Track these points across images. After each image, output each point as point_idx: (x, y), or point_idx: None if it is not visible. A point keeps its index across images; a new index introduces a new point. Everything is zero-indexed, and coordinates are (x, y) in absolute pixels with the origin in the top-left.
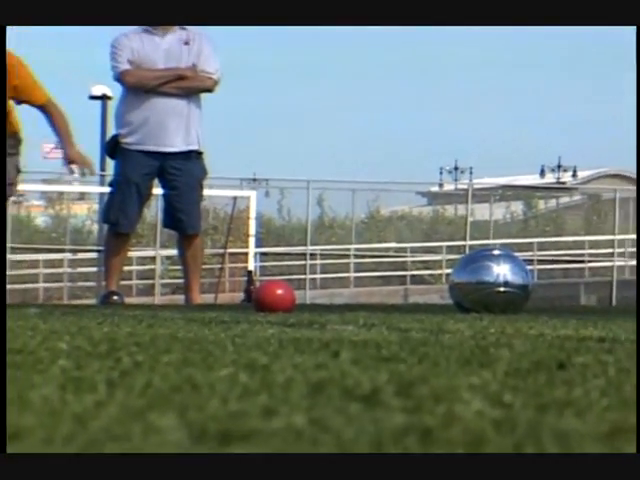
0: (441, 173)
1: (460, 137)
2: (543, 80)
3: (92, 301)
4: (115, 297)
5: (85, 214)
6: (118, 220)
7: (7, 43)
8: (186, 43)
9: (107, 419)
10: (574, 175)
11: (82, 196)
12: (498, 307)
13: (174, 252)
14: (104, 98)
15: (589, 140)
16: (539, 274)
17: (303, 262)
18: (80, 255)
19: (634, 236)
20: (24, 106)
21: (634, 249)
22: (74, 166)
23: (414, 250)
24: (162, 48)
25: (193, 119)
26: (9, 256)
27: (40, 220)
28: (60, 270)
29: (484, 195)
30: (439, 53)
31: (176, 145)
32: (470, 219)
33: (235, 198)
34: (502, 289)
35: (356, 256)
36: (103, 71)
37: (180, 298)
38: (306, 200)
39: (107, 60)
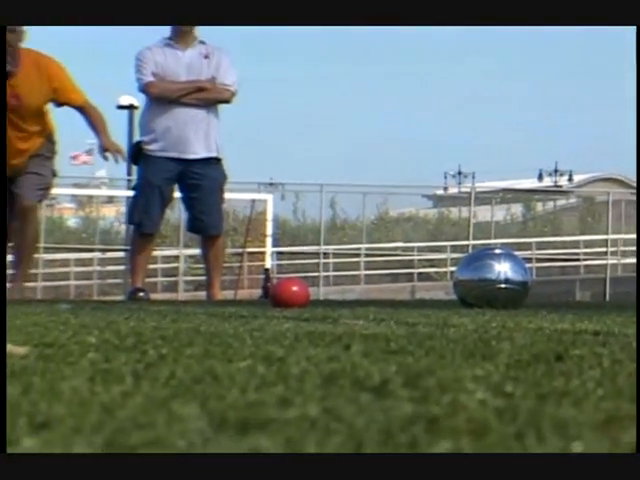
0: (446, 177)
1: (463, 144)
2: (541, 90)
3: (120, 297)
4: (141, 293)
5: (113, 216)
6: (142, 221)
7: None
8: (206, 57)
9: (133, 409)
10: (570, 179)
11: (110, 199)
12: (499, 303)
13: (197, 251)
14: (131, 108)
15: (584, 146)
16: (537, 272)
17: (317, 261)
18: (109, 254)
19: (626, 236)
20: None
21: (626, 248)
22: (108, 154)
23: (420, 249)
24: (184, 62)
25: (212, 128)
26: (42, 255)
27: (71, 221)
28: (90, 268)
29: (486, 198)
30: (443, 67)
31: (196, 152)
32: (473, 220)
33: (253, 201)
34: (503, 286)
35: (366, 255)
36: (130, 82)
37: (202, 294)
38: (319, 203)
39: (133, 72)
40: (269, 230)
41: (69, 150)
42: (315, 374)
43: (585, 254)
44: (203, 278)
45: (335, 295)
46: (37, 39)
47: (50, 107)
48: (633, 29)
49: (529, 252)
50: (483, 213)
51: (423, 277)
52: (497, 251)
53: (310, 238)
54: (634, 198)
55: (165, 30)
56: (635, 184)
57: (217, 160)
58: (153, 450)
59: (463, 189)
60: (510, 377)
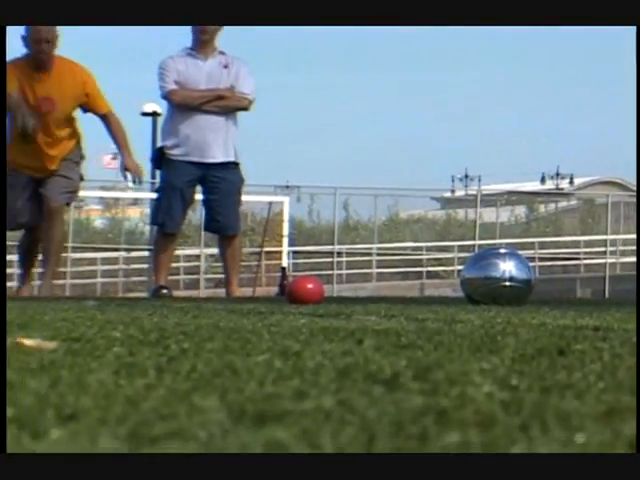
0: (453, 181)
1: (470, 148)
2: (544, 97)
3: (144, 294)
4: (164, 290)
5: (138, 217)
6: (165, 222)
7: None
8: (225, 67)
9: (156, 401)
10: (571, 182)
11: (135, 201)
12: (504, 299)
13: (216, 251)
14: (154, 114)
15: (584, 151)
16: (540, 270)
17: (331, 259)
18: (133, 253)
19: (624, 236)
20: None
21: (624, 248)
22: (128, 173)
23: (429, 249)
24: (204, 71)
25: (231, 133)
26: (71, 254)
27: (98, 222)
28: (116, 267)
29: (491, 200)
30: (450, 75)
31: (216, 156)
32: (479, 221)
33: (270, 203)
34: (508, 283)
35: (378, 254)
36: (153, 91)
37: (221, 291)
38: (333, 204)
39: (156, 81)
40: (285, 230)
41: (96, 154)
42: (330, 368)
43: (585, 253)
44: (222, 276)
45: (348, 292)
46: (66, 48)
47: (78, 113)
48: (633, 29)
49: (532, 251)
50: (488, 214)
51: (431, 275)
52: (502, 250)
53: (324, 238)
54: (632, 200)
55: (187, 39)
56: (633, 187)
57: (235, 164)
58: (175, 441)
59: (469, 192)
60: (515, 371)
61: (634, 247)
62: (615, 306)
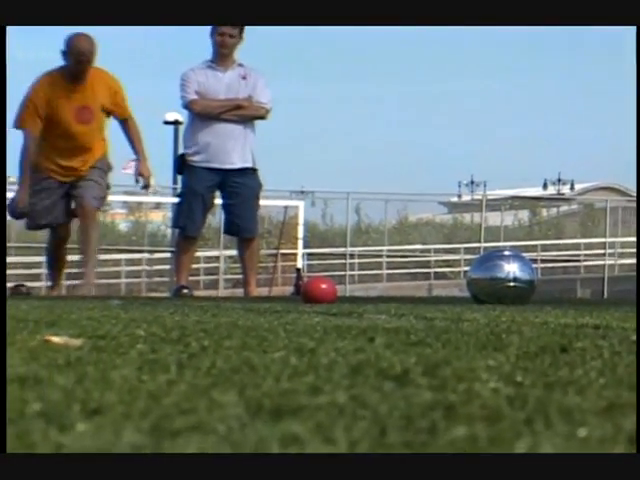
0: (459, 186)
1: (475, 156)
2: (545, 106)
3: (166, 294)
4: (185, 290)
5: (160, 220)
6: (186, 225)
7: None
8: (244, 78)
9: (177, 396)
10: (572, 188)
11: (157, 205)
12: (509, 299)
13: (235, 252)
14: (176, 123)
15: (585, 158)
16: (542, 271)
17: (343, 261)
18: (156, 255)
19: (622, 239)
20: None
21: (622, 250)
22: (141, 178)
23: (437, 251)
24: (224, 82)
25: (249, 141)
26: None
27: (122, 226)
28: (139, 268)
29: (496, 205)
30: (455, 85)
31: (234, 163)
32: (484, 225)
33: (286, 207)
34: (512, 284)
35: (388, 256)
36: (175, 100)
37: (240, 291)
38: (346, 209)
39: (178, 91)
40: (300, 233)
41: (121, 160)
42: (343, 364)
43: (585, 255)
44: (240, 276)
45: (360, 292)
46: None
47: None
48: (632, 37)
49: (535, 253)
50: (493, 218)
51: (439, 276)
52: (506, 253)
53: (337, 241)
54: (630, 205)
55: (207, 52)
56: (630, 192)
57: (253, 170)
58: (195, 434)
59: (475, 197)
60: (519, 367)
61: (632, 249)
62: (614, 306)
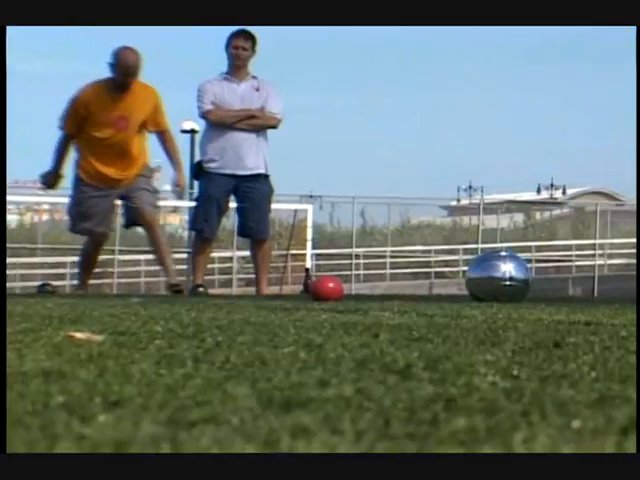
0: (458, 191)
1: (473, 162)
2: (539, 116)
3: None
4: (201, 289)
5: (177, 223)
6: (203, 228)
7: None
8: (257, 89)
9: (193, 389)
10: (564, 192)
11: (175, 209)
12: (505, 297)
13: (248, 253)
14: (192, 132)
15: (576, 165)
16: (536, 271)
17: (349, 261)
18: (173, 255)
19: (611, 240)
20: None
21: (611, 251)
22: (178, 188)
23: (437, 252)
24: (238, 93)
25: (261, 148)
26: (118, 257)
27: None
28: (157, 267)
29: (492, 208)
30: (458, 95)
31: (248, 169)
32: (481, 227)
33: (296, 211)
34: (508, 283)
35: (391, 256)
36: (192, 110)
37: (252, 290)
38: (352, 212)
39: (194, 101)
40: (309, 235)
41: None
42: (349, 359)
43: (576, 256)
44: (253, 276)
45: (365, 290)
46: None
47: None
48: (633, 29)
49: (529, 254)
50: (490, 221)
51: (439, 275)
52: (502, 253)
53: (344, 242)
54: (618, 209)
55: (223, 65)
56: (619, 197)
57: (265, 176)
58: (210, 425)
59: (473, 201)
60: (516, 362)
61: (620, 250)
62: (604, 303)
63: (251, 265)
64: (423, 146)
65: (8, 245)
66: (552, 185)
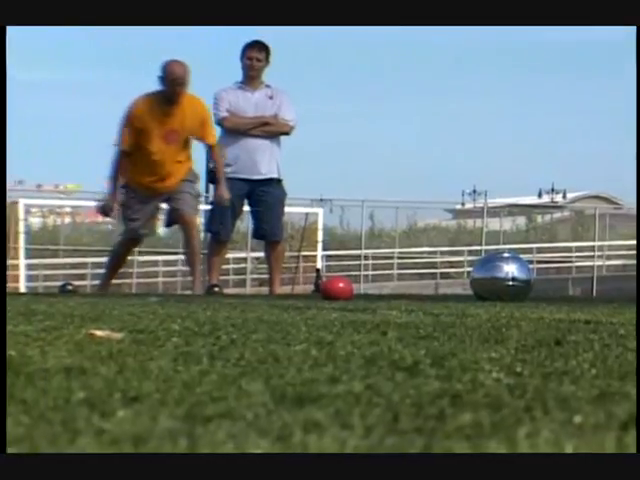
0: (463, 195)
1: (477, 167)
2: (540, 123)
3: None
4: (216, 288)
5: None
6: (218, 230)
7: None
8: (270, 98)
9: (209, 385)
10: (564, 196)
11: None
12: (508, 296)
13: (261, 254)
14: None
15: (576, 169)
16: (538, 272)
17: (358, 262)
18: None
19: (609, 242)
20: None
21: (609, 252)
22: (220, 198)
23: (442, 253)
24: (252, 101)
25: (274, 154)
26: (137, 257)
27: (160, 230)
28: (175, 268)
29: (496, 211)
30: (459, 105)
31: (262, 174)
32: (485, 230)
33: (307, 214)
34: (511, 283)
35: (398, 258)
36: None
37: (265, 289)
38: (361, 215)
39: (210, 108)
40: (320, 237)
41: None
42: (358, 356)
43: (576, 257)
44: (266, 276)
45: (373, 290)
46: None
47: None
48: (633, 29)
49: (531, 255)
50: (493, 224)
51: (444, 276)
52: (505, 255)
53: (353, 244)
54: (616, 212)
55: (237, 74)
56: (617, 200)
57: (278, 180)
58: (225, 420)
59: (477, 204)
60: (519, 359)
61: (618, 252)
62: (602, 303)
63: (264, 266)
64: (430, 152)
65: (32, 246)
66: (553, 189)
